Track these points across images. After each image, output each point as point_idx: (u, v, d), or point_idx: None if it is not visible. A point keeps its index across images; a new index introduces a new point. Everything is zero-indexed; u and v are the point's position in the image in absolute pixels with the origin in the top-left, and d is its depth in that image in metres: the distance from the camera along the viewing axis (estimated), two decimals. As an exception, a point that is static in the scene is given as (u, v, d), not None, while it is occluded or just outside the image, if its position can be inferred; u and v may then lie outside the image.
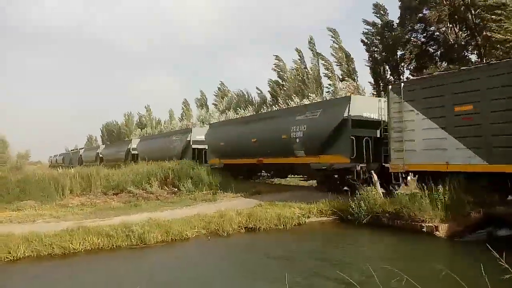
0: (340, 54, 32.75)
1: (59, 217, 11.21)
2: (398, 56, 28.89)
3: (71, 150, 64.86)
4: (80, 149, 56.96)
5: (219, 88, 51.62)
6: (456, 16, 24.12)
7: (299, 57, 36.18)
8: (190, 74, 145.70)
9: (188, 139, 24.00)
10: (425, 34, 27.02)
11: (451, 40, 25.31)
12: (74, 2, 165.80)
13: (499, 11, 19.74)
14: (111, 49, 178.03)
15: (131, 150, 34.10)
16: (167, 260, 7.70)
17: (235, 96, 47.28)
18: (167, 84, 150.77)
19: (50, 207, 13.27)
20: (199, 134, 23.65)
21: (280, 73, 38.01)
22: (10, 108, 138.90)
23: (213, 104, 51.31)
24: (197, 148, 23.42)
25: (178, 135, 26.57)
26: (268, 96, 39.75)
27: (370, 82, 31.66)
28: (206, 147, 22.32)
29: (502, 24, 19.48)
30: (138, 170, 18.92)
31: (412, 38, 27.20)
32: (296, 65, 36.23)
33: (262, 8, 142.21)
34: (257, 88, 68.00)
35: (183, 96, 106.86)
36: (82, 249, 7.95)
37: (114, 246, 8.18)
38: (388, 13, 29.93)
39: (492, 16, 19.91)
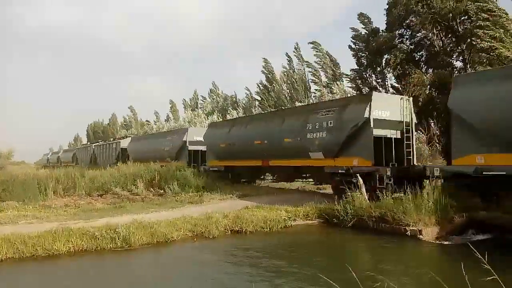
0: (324, 61, 32.98)
1: (42, 218, 11.01)
2: (383, 62, 29.13)
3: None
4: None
5: (211, 90, 51.20)
6: (441, 23, 24.45)
7: (287, 61, 36.44)
8: (190, 75, 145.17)
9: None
10: (412, 41, 27.34)
11: (437, 47, 25.68)
12: (73, 2, 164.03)
13: (485, 15, 19.83)
14: (109, 49, 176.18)
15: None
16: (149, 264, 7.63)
17: (221, 99, 47.20)
18: (167, 85, 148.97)
19: (33, 208, 13.01)
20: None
21: (269, 76, 38.09)
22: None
23: (200, 107, 50.91)
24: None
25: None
26: (258, 99, 39.71)
27: (345, 90, 31.75)
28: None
29: (488, 31, 19.64)
30: (124, 171, 18.74)
31: (398, 44, 27.48)
32: (283, 69, 36.50)
33: (262, 9, 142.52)
34: (246, 88, 68.25)
35: (182, 97, 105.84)
36: (65, 251, 7.82)
37: (99, 248, 8.07)
38: (372, 21, 30.45)
39: (479, 23, 20.02)
